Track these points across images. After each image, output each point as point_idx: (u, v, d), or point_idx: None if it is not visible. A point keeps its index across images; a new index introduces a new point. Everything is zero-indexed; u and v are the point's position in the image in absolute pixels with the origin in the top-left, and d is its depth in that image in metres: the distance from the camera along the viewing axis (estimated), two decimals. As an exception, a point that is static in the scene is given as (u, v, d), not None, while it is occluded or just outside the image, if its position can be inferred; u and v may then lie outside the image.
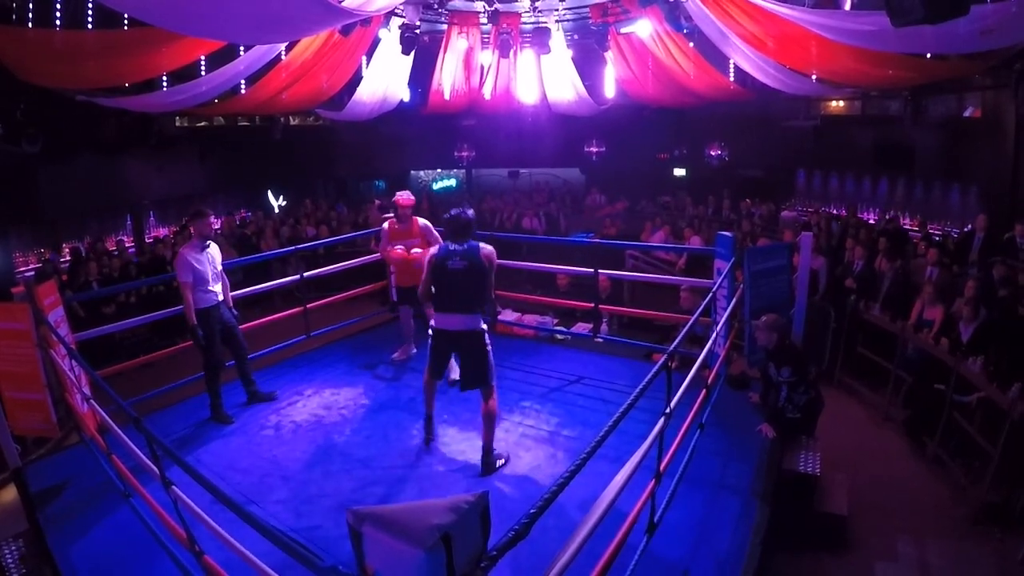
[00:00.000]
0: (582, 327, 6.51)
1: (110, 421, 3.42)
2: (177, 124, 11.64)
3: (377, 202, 12.21)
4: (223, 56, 8.41)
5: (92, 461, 3.97)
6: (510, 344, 6.05)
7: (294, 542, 1.94)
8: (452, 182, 17.69)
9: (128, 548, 3.32)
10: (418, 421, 4.43)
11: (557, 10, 9.53)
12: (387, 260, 5.69)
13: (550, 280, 7.41)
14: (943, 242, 9.02)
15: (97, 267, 8.65)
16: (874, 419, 6.20)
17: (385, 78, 10.45)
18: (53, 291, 4.35)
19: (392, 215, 5.53)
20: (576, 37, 10.59)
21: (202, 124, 12.51)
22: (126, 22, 7.47)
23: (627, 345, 5.92)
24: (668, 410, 2.95)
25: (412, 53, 9.43)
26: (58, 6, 7.51)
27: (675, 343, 3.44)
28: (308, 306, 5.86)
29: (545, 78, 11.36)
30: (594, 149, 14.77)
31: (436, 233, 5.24)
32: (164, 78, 8.76)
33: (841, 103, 12.23)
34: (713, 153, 13.41)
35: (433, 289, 3.89)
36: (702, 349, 3.90)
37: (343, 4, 6.26)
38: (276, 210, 13.82)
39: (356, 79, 10.51)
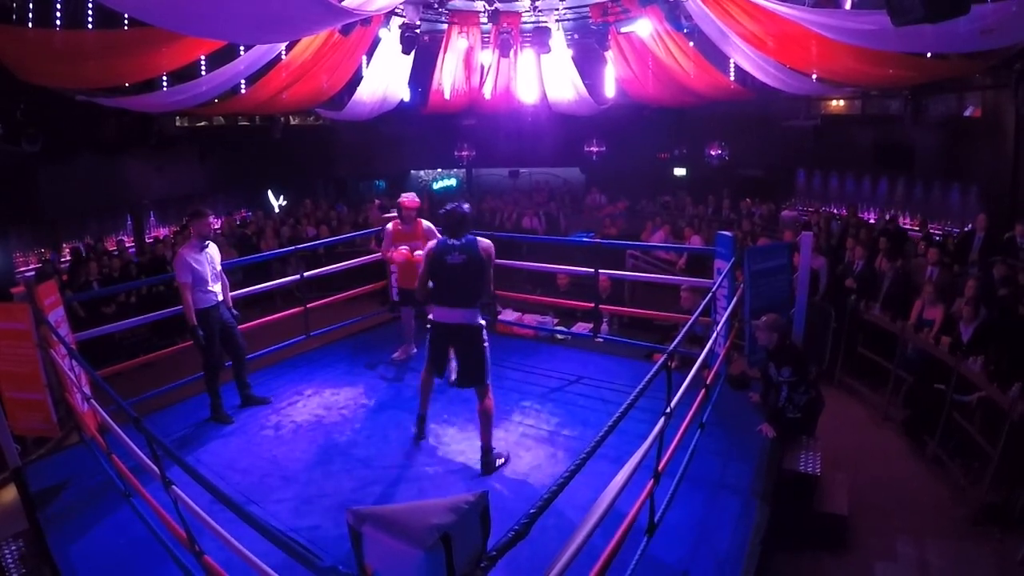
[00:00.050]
0: (582, 327, 6.50)
1: (110, 421, 3.42)
2: (177, 124, 11.65)
3: (377, 202, 12.23)
4: (223, 56, 8.41)
5: (92, 461, 3.97)
6: (510, 344, 6.06)
7: (294, 542, 1.94)
8: (452, 182, 17.69)
9: (128, 548, 3.32)
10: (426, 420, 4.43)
11: (557, 9, 9.53)
12: (390, 261, 5.68)
13: (550, 280, 7.41)
14: (943, 242, 9.02)
15: (97, 267, 8.65)
16: (874, 419, 6.20)
17: (385, 78, 10.45)
18: (53, 291, 4.35)
19: (396, 216, 5.52)
20: (576, 36, 10.58)
21: (202, 124, 12.52)
22: (126, 22, 7.47)
23: (627, 345, 5.92)
24: (668, 410, 2.95)
25: (412, 53, 9.43)
26: (58, 6, 7.51)
27: (675, 343, 3.45)
28: (308, 306, 5.86)
29: (545, 78, 11.35)
30: (594, 149, 14.77)
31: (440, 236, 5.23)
32: (164, 78, 8.76)
33: (841, 103, 12.23)
34: (713, 153, 13.40)
35: (431, 284, 3.90)
36: (702, 349, 3.90)
37: (343, 4, 6.25)
38: (276, 210, 13.83)
39: (356, 79, 10.50)
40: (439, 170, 17.37)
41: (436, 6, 9.23)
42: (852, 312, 6.77)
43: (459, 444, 4.27)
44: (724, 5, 7.63)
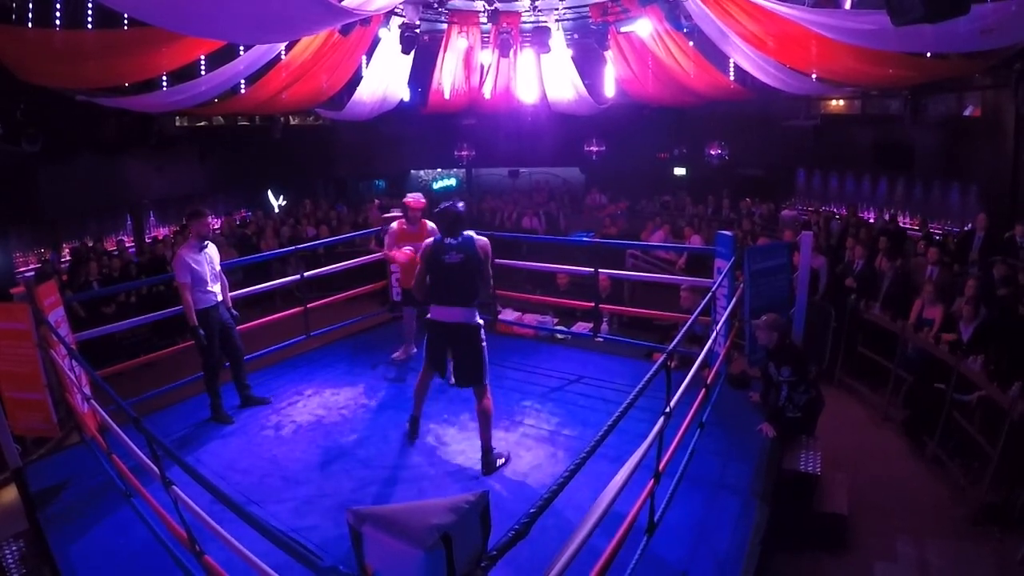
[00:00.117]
0: (582, 327, 6.51)
1: (110, 421, 3.42)
2: (177, 124, 11.64)
3: (377, 202, 12.24)
4: (223, 56, 8.41)
5: (92, 461, 3.97)
6: (510, 344, 6.06)
7: (294, 542, 1.94)
8: (452, 182, 17.70)
9: (128, 548, 3.32)
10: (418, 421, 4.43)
11: (557, 9, 9.52)
12: (392, 261, 5.67)
13: (550, 280, 7.41)
14: (943, 241, 9.03)
15: (97, 267, 8.65)
16: (874, 419, 6.20)
17: (385, 78, 10.45)
18: (53, 291, 4.36)
19: (399, 216, 5.51)
20: (576, 36, 10.58)
21: (202, 124, 12.52)
22: (126, 22, 7.46)
23: (627, 345, 5.92)
24: (668, 409, 2.95)
25: (412, 52, 9.43)
26: (58, 6, 7.51)
27: (675, 342, 3.45)
28: (308, 306, 5.86)
29: (545, 77, 11.35)
30: (594, 148, 14.78)
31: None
32: (164, 78, 8.75)
33: (841, 102, 12.22)
34: (713, 152, 13.41)
35: (428, 281, 3.90)
36: (702, 348, 3.90)
37: (343, 4, 6.25)
38: (276, 210, 13.83)
39: (356, 79, 10.50)
40: (439, 170, 17.37)
41: (436, 6, 9.23)
42: (852, 312, 6.77)
43: (459, 444, 4.27)
44: (724, 5, 7.63)
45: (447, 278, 3.82)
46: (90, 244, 10.06)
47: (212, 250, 4.63)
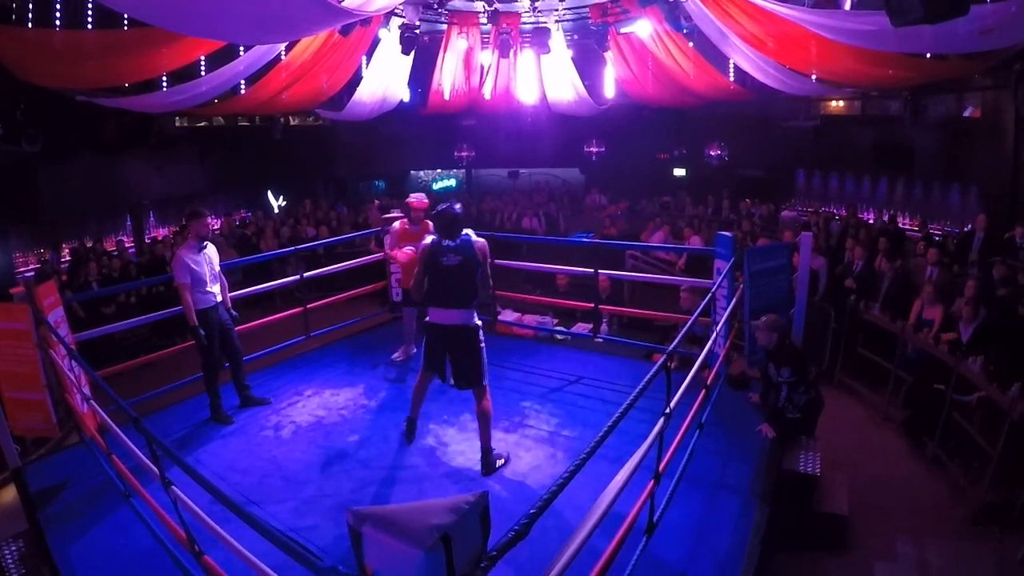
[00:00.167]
0: (582, 327, 6.51)
1: (110, 421, 3.42)
2: (177, 124, 11.64)
3: (377, 202, 12.25)
4: (223, 56, 8.41)
5: (92, 461, 3.97)
6: (510, 344, 6.06)
7: (294, 542, 1.94)
8: (452, 182, 17.71)
9: (128, 548, 3.32)
10: (419, 422, 4.43)
11: (557, 10, 9.53)
12: (393, 261, 5.66)
13: (550, 280, 7.41)
14: (943, 242, 9.03)
15: (97, 267, 8.65)
16: (874, 419, 6.20)
17: (385, 78, 10.45)
18: (53, 291, 4.35)
19: (400, 216, 5.51)
20: (576, 37, 10.59)
21: (202, 124, 12.52)
22: (126, 22, 7.47)
23: (627, 345, 5.93)
24: (668, 410, 2.95)
25: (412, 53, 9.43)
26: (58, 6, 7.51)
27: (675, 343, 3.45)
28: (308, 306, 5.86)
29: (545, 78, 11.36)
30: (594, 149, 14.78)
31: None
32: (164, 78, 8.76)
33: (841, 103, 12.24)
34: (713, 153, 13.41)
35: (426, 284, 3.90)
36: (702, 349, 3.90)
37: (343, 4, 6.26)
38: (276, 210, 13.83)
39: (356, 79, 10.51)
40: (439, 170, 17.38)
41: (436, 6, 9.24)
42: (852, 312, 6.78)
43: (459, 445, 4.27)
44: (724, 6, 7.64)
45: (445, 280, 3.82)
46: (90, 244, 10.07)
47: (211, 250, 4.63)
